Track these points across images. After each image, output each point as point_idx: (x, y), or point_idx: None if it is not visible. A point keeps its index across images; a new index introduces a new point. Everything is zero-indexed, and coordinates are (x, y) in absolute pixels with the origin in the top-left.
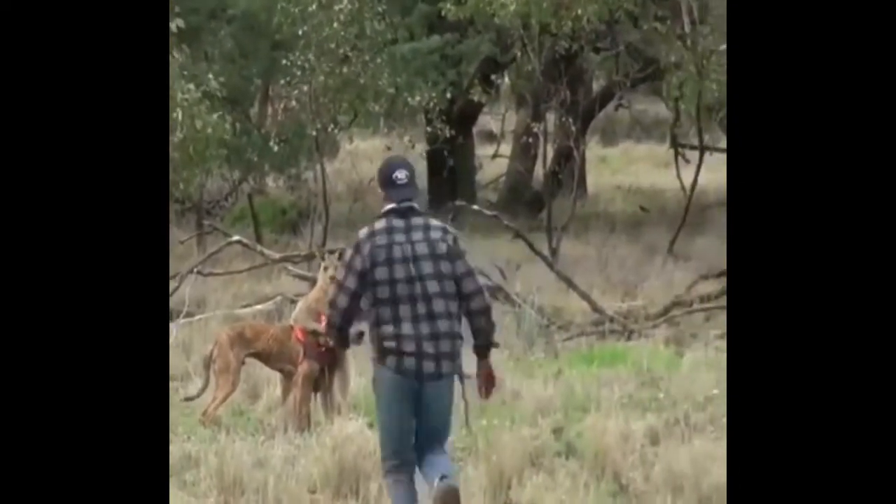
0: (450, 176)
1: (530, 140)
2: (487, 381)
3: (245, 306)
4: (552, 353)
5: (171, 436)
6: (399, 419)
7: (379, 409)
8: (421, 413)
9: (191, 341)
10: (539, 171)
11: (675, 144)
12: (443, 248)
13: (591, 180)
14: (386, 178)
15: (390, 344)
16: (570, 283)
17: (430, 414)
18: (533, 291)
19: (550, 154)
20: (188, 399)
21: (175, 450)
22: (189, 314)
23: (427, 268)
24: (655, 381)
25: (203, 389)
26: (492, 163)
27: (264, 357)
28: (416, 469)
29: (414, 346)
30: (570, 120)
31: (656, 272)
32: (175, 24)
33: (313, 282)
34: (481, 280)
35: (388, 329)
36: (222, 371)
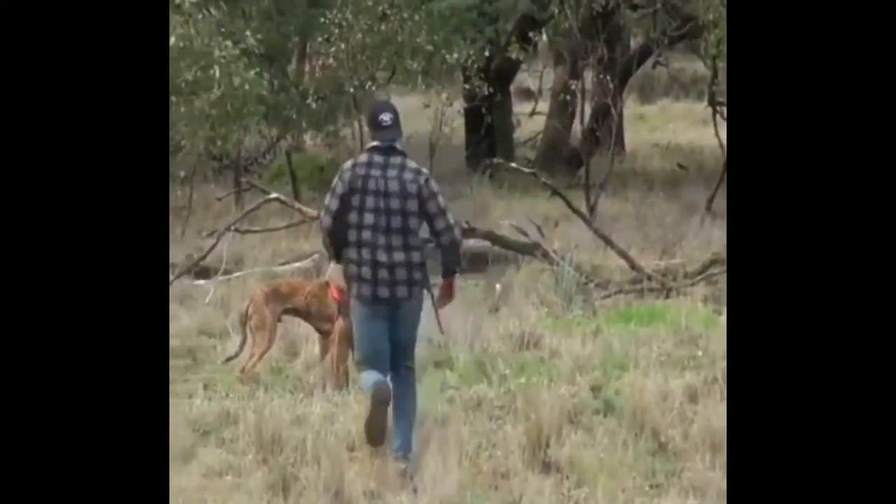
0: (487, 133)
1: (568, 97)
2: (444, 293)
3: (283, 264)
4: (590, 311)
5: (211, 392)
6: (367, 337)
7: (354, 326)
8: (389, 330)
9: (228, 299)
10: (577, 129)
11: (713, 102)
12: (413, 187)
13: (629, 138)
14: (373, 120)
15: (353, 270)
16: (608, 241)
17: (396, 332)
18: (571, 249)
19: (588, 111)
20: (228, 359)
21: (214, 407)
22: (227, 272)
23: (395, 203)
24: (694, 339)
25: (241, 347)
26: (529, 120)
27: (302, 314)
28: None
29: (370, 274)
30: (608, 77)
31: (694, 230)
32: None
33: None
34: (452, 218)
35: (353, 254)
36: (258, 328)
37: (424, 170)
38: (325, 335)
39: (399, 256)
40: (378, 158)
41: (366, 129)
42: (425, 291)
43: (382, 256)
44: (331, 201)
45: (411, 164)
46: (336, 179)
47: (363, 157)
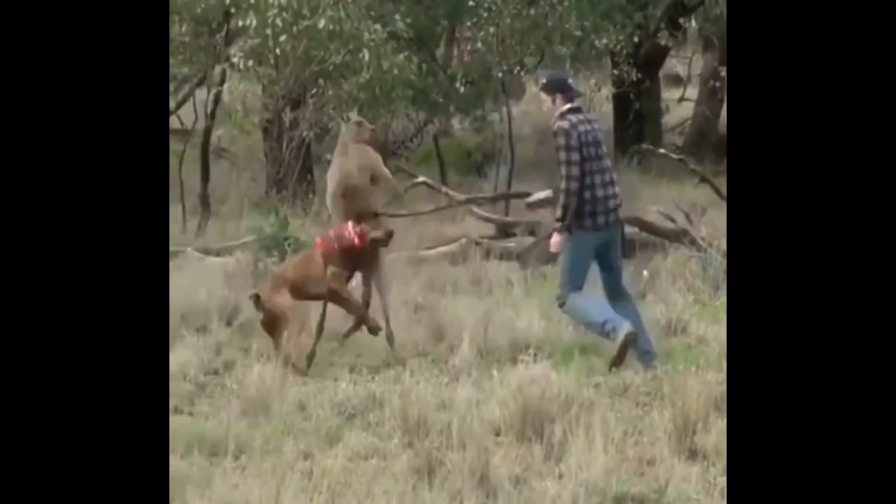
0: (636, 119)
1: (717, 84)
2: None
3: (429, 248)
4: None
5: (356, 376)
6: (583, 265)
7: (569, 259)
8: (604, 256)
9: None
10: (725, 116)
11: None
12: (601, 134)
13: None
14: (562, 84)
15: (589, 207)
16: None
17: (611, 255)
18: (718, 236)
19: None
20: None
21: (360, 390)
22: None
23: (601, 149)
24: None
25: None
26: (678, 106)
27: (300, 288)
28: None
29: (603, 207)
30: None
31: None
32: None
33: (499, 223)
34: None
35: (587, 195)
36: (282, 320)
37: None
38: (332, 297)
39: (610, 190)
40: (580, 116)
41: (514, 112)
42: None
43: (600, 192)
44: (572, 154)
45: (591, 115)
46: (565, 138)
47: (573, 118)
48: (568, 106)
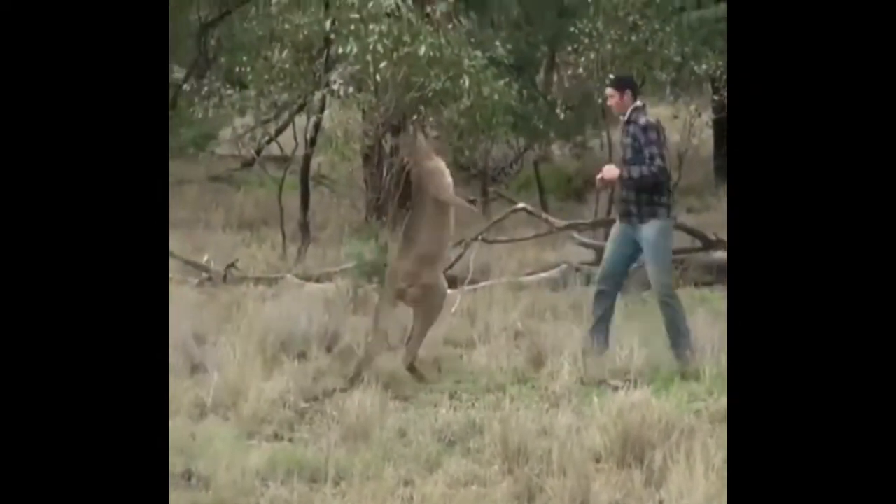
0: None
1: None
2: None
3: (529, 274)
4: None
5: (456, 402)
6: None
7: (667, 246)
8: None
9: (475, 308)
10: None
11: None
12: None
13: None
14: (629, 81)
15: (665, 199)
16: None
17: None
18: None
19: None
20: None
21: (459, 416)
22: (473, 281)
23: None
24: None
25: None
26: None
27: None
28: None
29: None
30: None
31: None
32: None
33: (599, 249)
34: None
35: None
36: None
37: None
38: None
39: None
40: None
41: (614, 138)
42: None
43: (666, 186)
44: (661, 152)
45: None
46: (657, 131)
47: (649, 116)
48: (640, 103)
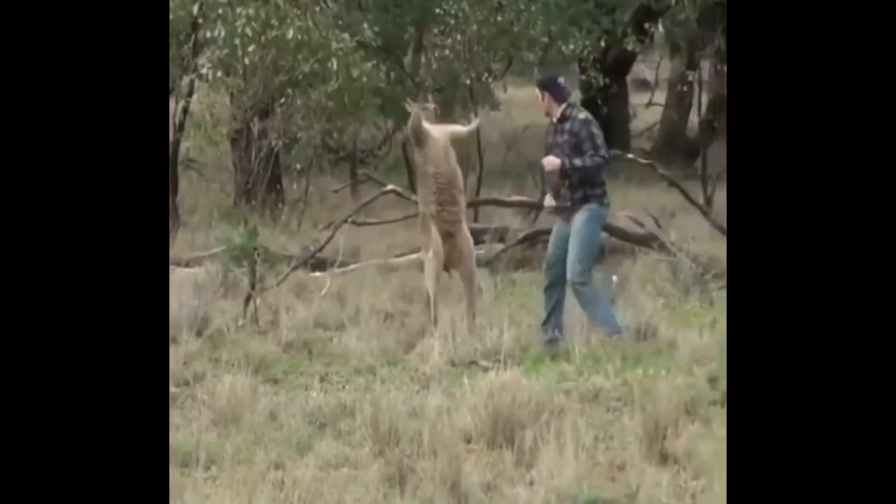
0: (604, 124)
1: (685, 88)
2: None
3: (399, 255)
4: (707, 302)
5: (327, 385)
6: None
7: (592, 234)
8: None
9: (345, 291)
10: (694, 120)
11: None
12: None
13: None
14: (550, 82)
15: (603, 189)
16: (725, 232)
17: None
18: (688, 240)
19: (705, 102)
20: None
21: (330, 399)
22: (343, 264)
23: None
24: None
25: None
26: (646, 111)
27: None
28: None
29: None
30: (725, 68)
31: None
32: None
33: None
34: None
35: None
36: None
37: None
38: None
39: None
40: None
41: (483, 119)
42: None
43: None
44: (603, 143)
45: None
46: (595, 129)
47: (585, 112)
48: (570, 101)
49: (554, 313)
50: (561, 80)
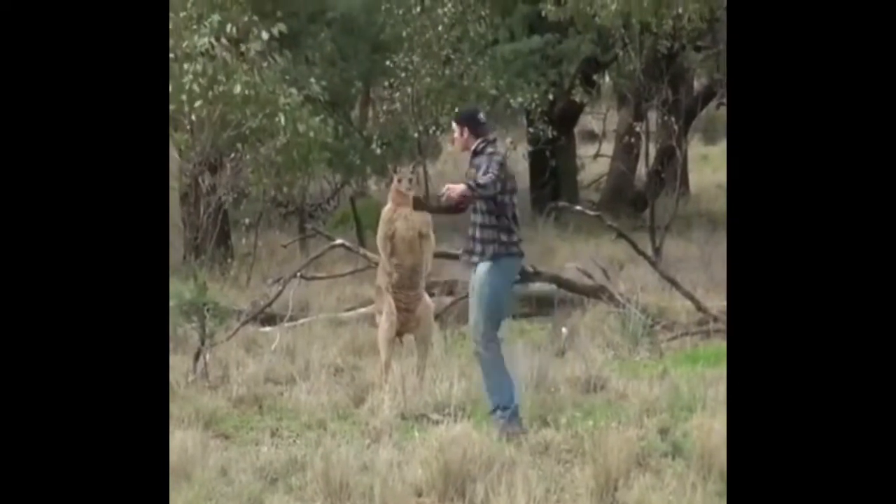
0: (552, 176)
1: (632, 139)
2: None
3: (349, 310)
4: (657, 353)
5: (278, 440)
6: (506, 298)
7: (498, 293)
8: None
9: (294, 345)
10: (641, 171)
11: None
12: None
13: (694, 179)
14: (471, 118)
15: (516, 236)
16: (673, 283)
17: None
18: (637, 291)
19: (652, 153)
20: None
21: (281, 454)
22: (293, 318)
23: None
24: None
25: None
26: (594, 162)
27: None
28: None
29: (518, 236)
30: (672, 119)
31: None
32: (277, 28)
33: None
34: None
35: (513, 226)
36: None
37: None
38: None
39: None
40: (499, 146)
41: (430, 172)
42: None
43: (514, 225)
44: (496, 181)
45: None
46: (501, 161)
47: (498, 147)
48: (487, 138)
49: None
50: (481, 115)
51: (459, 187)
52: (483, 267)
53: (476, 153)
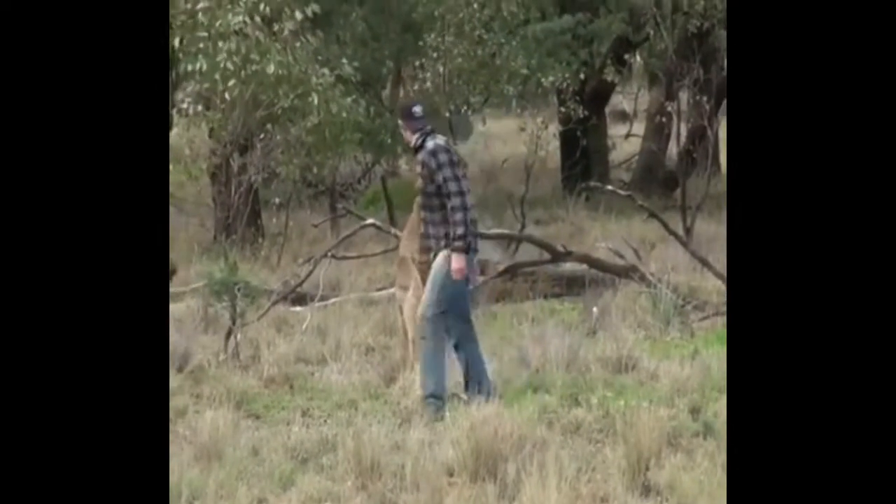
0: (583, 156)
1: (663, 119)
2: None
3: (380, 289)
4: (688, 334)
5: (309, 419)
6: (458, 289)
7: (444, 285)
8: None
9: (325, 325)
10: (672, 151)
11: None
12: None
13: (725, 159)
14: (406, 111)
15: (471, 228)
16: (705, 263)
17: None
18: (668, 271)
19: (684, 133)
20: None
21: (312, 433)
22: (323, 298)
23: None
24: None
25: None
26: (625, 142)
27: None
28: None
29: (474, 228)
30: (704, 98)
31: None
32: (310, 8)
33: None
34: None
35: (470, 215)
36: None
37: None
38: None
39: (473, 213)
40: (442, 138)
41: (462, 151)
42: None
43: (473, 213)
44: (461, 181)
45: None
46: (449, 155)
47: (439, 140)
48: (429, 128)
49: (472, 371)
50: (416, 108)
51: (459, 261)
52: (438, 258)
53: (417, 149)
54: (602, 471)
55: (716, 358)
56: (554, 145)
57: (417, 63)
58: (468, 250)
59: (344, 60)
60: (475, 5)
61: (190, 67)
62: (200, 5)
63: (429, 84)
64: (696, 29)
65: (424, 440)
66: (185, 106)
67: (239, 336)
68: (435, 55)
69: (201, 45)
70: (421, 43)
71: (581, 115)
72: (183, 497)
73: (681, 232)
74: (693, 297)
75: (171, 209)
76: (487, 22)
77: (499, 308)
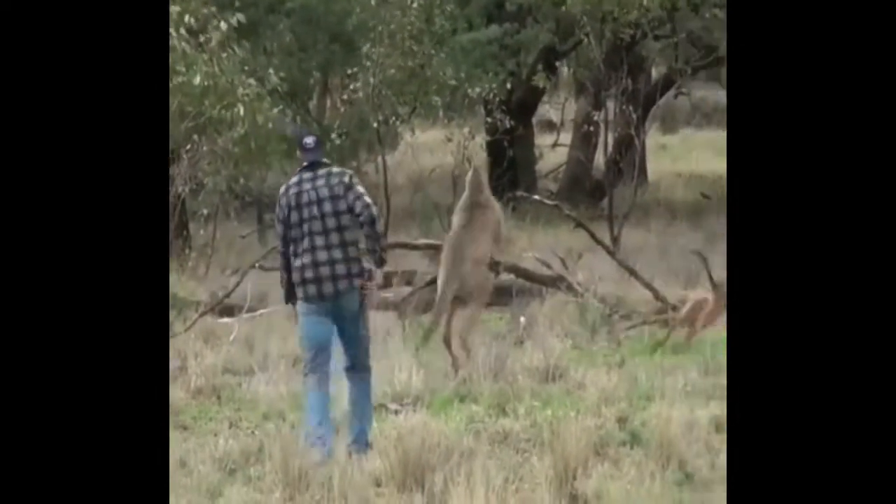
0: (510, 166)
1: (590, 129)
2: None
3: None
4: (615, 343)
5: (236, 430)
6: (315, 337)
7: (299, 329)
8: (337, 324)
9: (253, 336)
10: (599, 160)
11: None
12: (340, 188)
13: (652, 168)
14: (299, 144)
15: (310, 273)
16: (632, 272)
17: (343, 323)
18: (595, 281)
19: (611, 142)
20: None
21: (240, 444)
22: (251, 309)
23: (327, 206)
24: (719, 369)
25: None
26: (552, 152)
27: None
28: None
29: (313, 274)
30: (631, 108)
31: (719, 259)
32: (235, 18)
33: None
34: (373, 205)
35: (297, 262)
36: None
37: (349, 171)
38: None
39: (337, 253)
40: (307, 174)
41: (389, 162)
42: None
43: (323, 256)
44: (277, 227)
45: (336, 169)
46: (277, 206)
47: (294, 179)
48: (303, 165)
49: (356, 407)
50: (307, 140)
51: (375, 279)
52: (350, 298)
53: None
54: (529, 480)
55: (643, 367)
56: (481, 155)
57: (345, 74)
58: (288, 299)
59: (271, 71)
60: (413, 16)
61: None
62: None
63: (359, 93)
64: (624, 39)
65: (352, 451)
66: None
67: None
68: (368, 64)
69: None
70: (352, 53)
71: (508, 126)
72: None
73: (608, 241)
74: (620, 307)
75: None
76: (417, 34)
77: (426, 319)
